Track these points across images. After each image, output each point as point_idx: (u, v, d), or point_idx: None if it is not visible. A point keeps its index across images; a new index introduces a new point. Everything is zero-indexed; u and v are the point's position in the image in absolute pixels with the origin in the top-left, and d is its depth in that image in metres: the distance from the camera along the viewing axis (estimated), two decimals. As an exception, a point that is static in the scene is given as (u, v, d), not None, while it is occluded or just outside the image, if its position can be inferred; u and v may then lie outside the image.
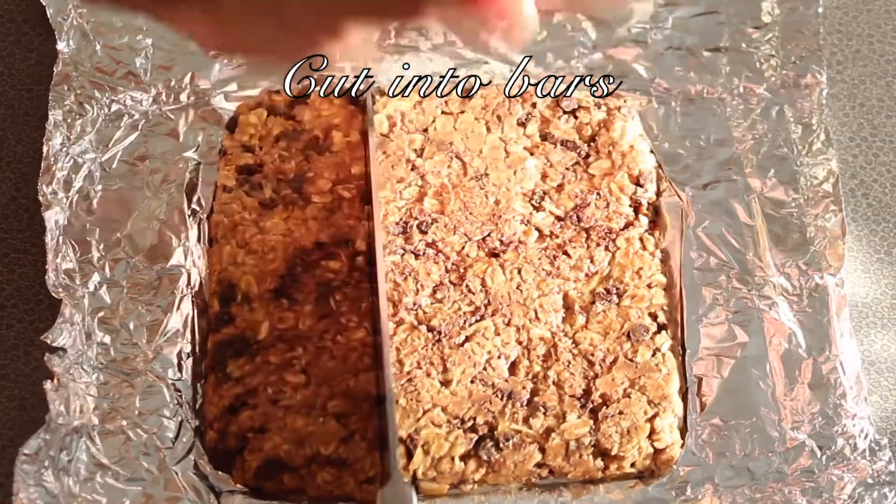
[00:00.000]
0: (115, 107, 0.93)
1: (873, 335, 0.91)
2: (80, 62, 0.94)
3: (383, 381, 0.79)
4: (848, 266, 0.92)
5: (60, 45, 0.94)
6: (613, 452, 0.82)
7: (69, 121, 0.92)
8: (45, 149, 0.90)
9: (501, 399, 0.83)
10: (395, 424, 0.79)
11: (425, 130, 0.93)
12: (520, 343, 0.86)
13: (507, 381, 0.84)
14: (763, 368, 0.86)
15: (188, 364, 0.85)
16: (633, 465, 0.83)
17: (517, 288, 0.87)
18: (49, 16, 0.95)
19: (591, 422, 0.83)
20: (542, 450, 0.82)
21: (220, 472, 0.81)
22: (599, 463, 0.82)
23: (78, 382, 0.83)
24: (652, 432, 0.83)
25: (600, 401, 0.84)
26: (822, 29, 0.99)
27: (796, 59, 0.98)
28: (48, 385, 0.81)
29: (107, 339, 0.85)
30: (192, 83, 0.95)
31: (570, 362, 0.85)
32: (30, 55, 0.99)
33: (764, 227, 0.91)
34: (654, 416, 0.83)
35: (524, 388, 0.84)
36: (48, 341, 0.83)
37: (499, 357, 0.85)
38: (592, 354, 0.85)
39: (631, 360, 0.85)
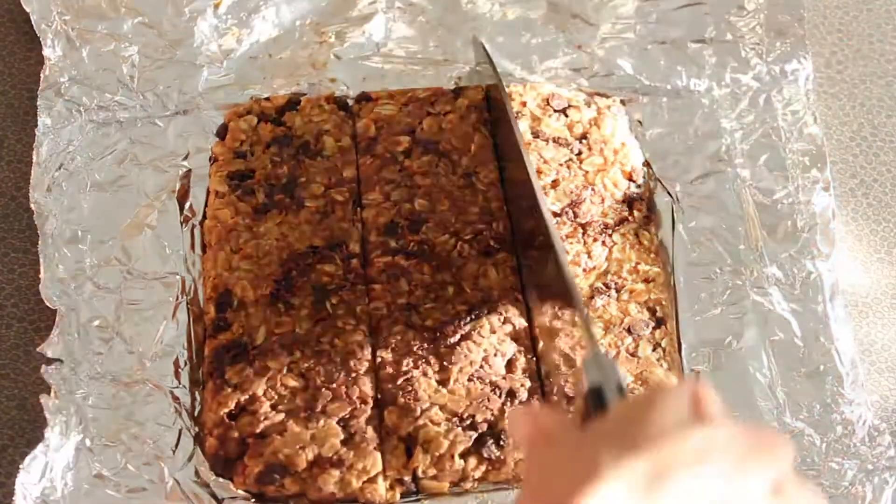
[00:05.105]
0: (103, 114, 0.93)
1: (874, 335, 0.91)
2: (66, 68, 0.94)
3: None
4: (848, 266, 0.92)
5: (47, 52, 0.94)
6: (616, 449, 0.82)
7: (58, 127, 0.92)
8: (34, 155, 0.90)
9: (500, 397, 0.83)
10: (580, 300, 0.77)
11: (412, 132, 0.94)
12: (516, 340, 0.86)
13: (504, 378, 0.84)
14: (759, 359, 0.86)
15: (186, 371, 0.85)
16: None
17: (511, 287, 0.87)
18: (33, 22, 0.95)
19: (593, 419, 0.83)
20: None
21: (221, 479, 0.81)
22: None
23: (75, 393, 0.82)
24: (654, 427, 0.83)
25: (602, 397, 0.84)
26: (805, 13, 1.00)
27: (781, 45, 0.98)
28: (46, 398, 0.81)
29: (103, 349, 0.84)
30: (180, 91, 0.95)
31: (570, 359, 0.85)
32: (30, 55, 0.99)
33: (755, 217, 0.92)
34: (655, 412, 0.83)
35: (522, 385, 0.84)
36: (45, 353, 0.83)
37: (495, 355, 0.85)
38: (593, 350, 0.85)
39: (633, 356, 0.86)
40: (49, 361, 0.83)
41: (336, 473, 0.80)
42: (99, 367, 0.84)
